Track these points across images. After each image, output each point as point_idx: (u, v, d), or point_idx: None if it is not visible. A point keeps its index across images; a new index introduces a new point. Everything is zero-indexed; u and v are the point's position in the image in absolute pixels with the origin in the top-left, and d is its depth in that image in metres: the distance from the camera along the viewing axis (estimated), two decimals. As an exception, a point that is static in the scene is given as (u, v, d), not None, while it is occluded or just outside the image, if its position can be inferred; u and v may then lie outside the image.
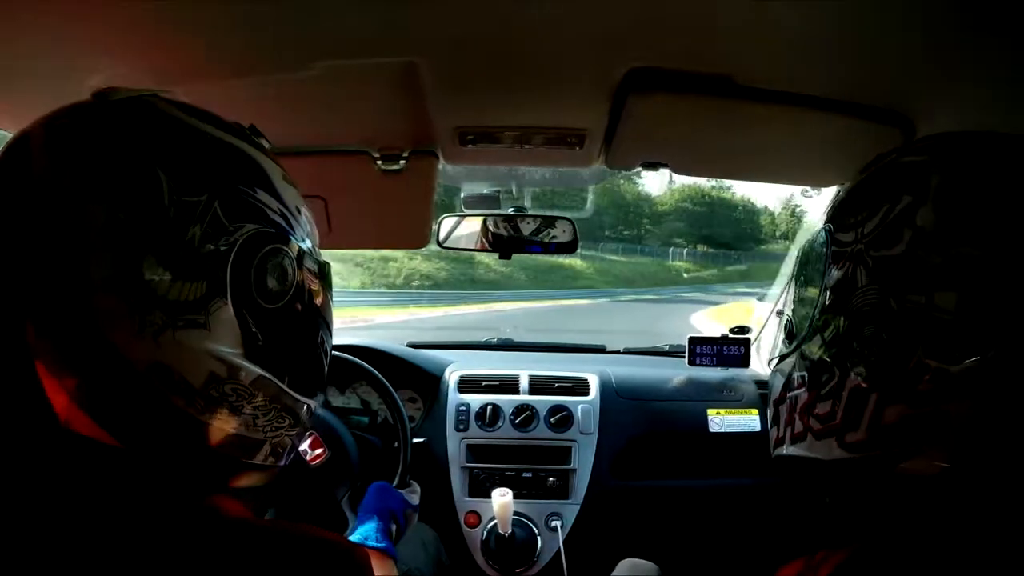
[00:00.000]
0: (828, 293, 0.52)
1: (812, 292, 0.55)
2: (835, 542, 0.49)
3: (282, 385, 0.50)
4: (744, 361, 1.61)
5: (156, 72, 0.75)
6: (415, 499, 1.08)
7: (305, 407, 0.55)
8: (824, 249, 0.54)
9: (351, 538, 0.87)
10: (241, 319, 0.46)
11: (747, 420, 1.54)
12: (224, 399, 0.46)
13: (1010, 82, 0.71)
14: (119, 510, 0.41)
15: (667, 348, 1.92)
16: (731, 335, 1.64)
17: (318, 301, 0.55)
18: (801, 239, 0.62)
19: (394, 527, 0.97)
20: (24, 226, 0.42)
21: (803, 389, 0.54)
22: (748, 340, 1.62)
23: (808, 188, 1.41)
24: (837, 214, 0.55)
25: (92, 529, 0.40)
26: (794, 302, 0.60)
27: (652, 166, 1.09)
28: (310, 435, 1.09)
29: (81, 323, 0.42)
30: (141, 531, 0.40)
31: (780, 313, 0.64)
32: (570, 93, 0.86)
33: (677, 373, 1.66)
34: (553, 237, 1.28)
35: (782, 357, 0.60)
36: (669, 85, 0.79)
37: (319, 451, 1.09)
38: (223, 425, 0.47)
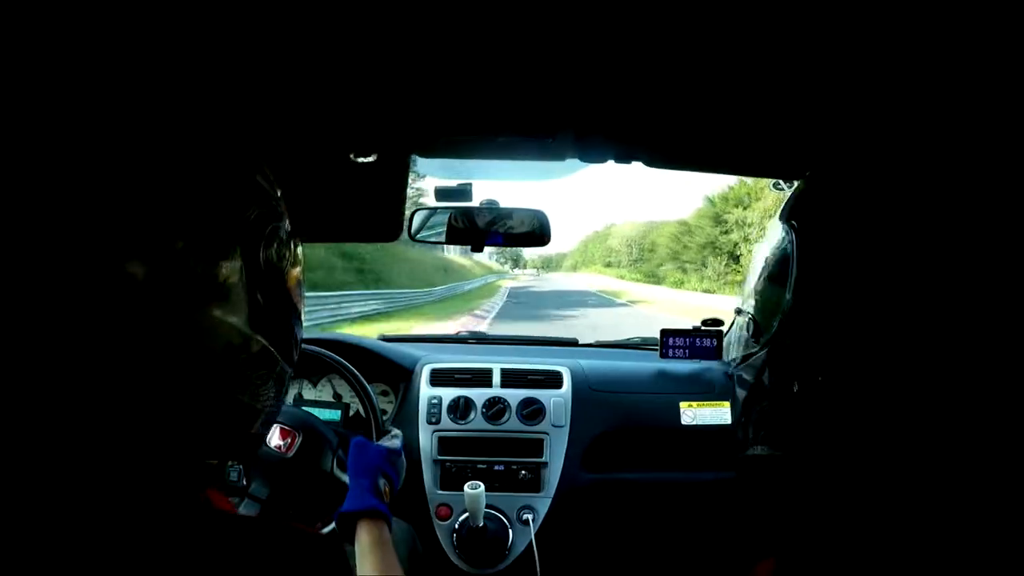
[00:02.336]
0: (797, 290, 0.52)
1: (778, 289, 0.55)
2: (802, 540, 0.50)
3: (277, 355, 0.53)
4: (716, 353, 1.63)
5: None
6: (396, 443, 1.06)
7: (287, 375, 0.58)
8: (790, 246, 0.54)
9: (341, 509, 0.86)
10: (251, 292, 0.49)
11: (719, 412, 1.55)
12: (237, 369, 0.48)
13: None
14: (125, 492, 0.42)
15: (639, 341, 1.94)
16: (703, 327, 1.66)
17: (300, 276, 0.58)
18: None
19: (383, 481, 0.95)
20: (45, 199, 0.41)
21: (773, 387, 0.54)
22: (720, 332, 1.64)
23: (781, 181, 1.43)
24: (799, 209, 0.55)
25: (100, 511, 0.40)
26: (758, 300, 0.60)
27: (625, 160, 1.09)
28: (277, 427, 1.08)
29: (104, 295, 0.41)
30: (142, 520, 0.42)
31: (740, 312, 0.64)
32: (542, 93, 0.85)
33: (649, 366, 1.67)
34: (523, 230, 1.28)
35: (747, 356, 0.60)
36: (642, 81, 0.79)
37: (290, 439, 1.08)
38: (233, 394, 0.49)
